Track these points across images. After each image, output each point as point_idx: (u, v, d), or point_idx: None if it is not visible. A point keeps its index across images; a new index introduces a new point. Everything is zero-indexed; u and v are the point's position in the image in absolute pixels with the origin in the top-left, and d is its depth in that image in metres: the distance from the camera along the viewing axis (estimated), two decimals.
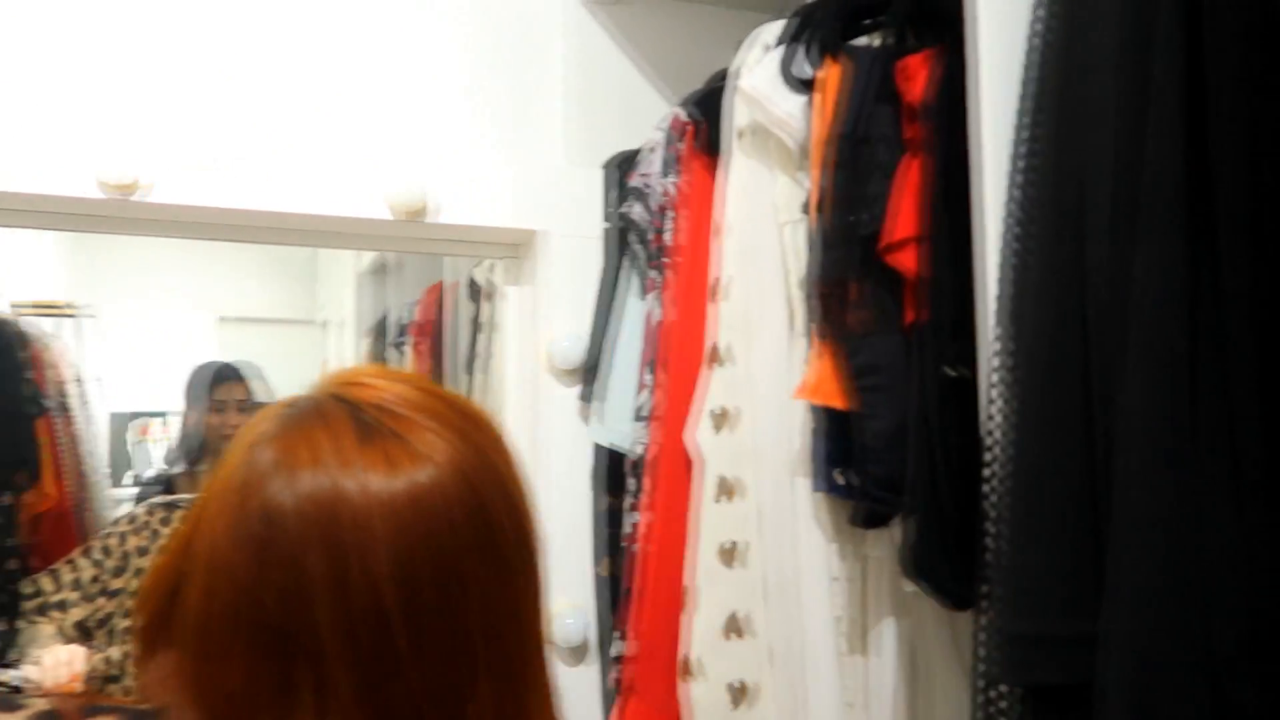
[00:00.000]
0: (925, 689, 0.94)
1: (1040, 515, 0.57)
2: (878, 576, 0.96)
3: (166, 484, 2.50)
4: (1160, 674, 0.48)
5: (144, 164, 1.27)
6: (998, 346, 0.63)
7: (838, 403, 0.87)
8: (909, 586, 0.86)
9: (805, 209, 0.94)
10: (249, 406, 2.49)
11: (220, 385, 2.51)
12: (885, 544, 0.91)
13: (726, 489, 0.97)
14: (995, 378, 0.63)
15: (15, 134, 1.24)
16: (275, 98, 1.39)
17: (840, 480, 0.90)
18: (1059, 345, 0.58)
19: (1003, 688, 0.61)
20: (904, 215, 0.80)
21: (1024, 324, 0.60)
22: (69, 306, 3.26)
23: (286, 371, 2.68)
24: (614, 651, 1.19)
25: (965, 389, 0.73)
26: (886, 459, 0.81)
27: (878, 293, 0.84)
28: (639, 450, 1.19)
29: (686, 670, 0.98)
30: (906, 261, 0.80)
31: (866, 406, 0.83)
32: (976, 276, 0.71)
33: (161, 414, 5.68)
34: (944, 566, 0.73)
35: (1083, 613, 0.53)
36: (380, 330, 3.38)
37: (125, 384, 5.22)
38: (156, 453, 5.59)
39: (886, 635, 0.95)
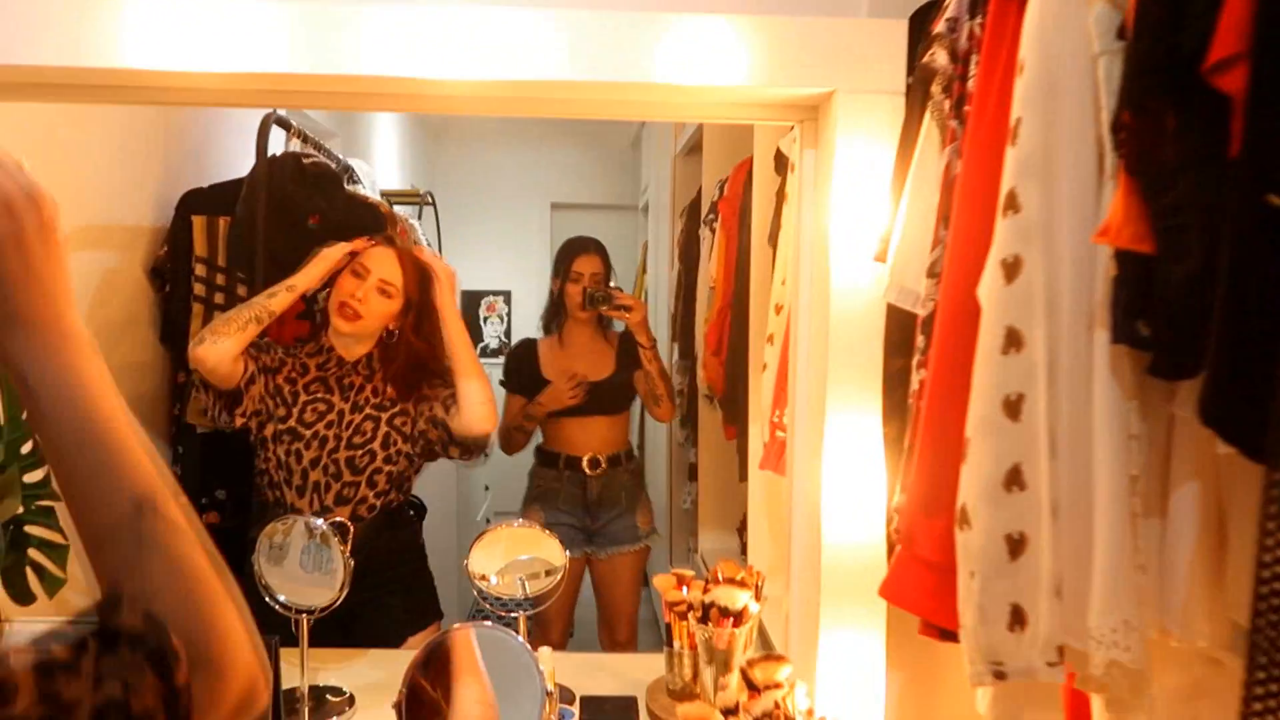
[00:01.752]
0: (1235, 559, 0.88)
1: None
2: (1184, 437, 0.90)
3: (529, 347, 2.84)
4: None
5: (449, 43, 1.40)
6: None
7: (1144, 246, 0.81)
8: (1223, 448, 0.79)
9: (1122, 35, 0.86)
10: (602, 280, 2.74)
11: (579, 258, 2.78)
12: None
13: (1015, 340, 0.94)
14: None
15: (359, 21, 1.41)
16: None
17: (1144, 331, 0.84)
18: None
19: None
20: (1234, 29, 0.71)
21: None
22: (421, 194, 3.68)
23: (610, 253, 2.90)
24: (893, 504, 1.21)
25: None
26: (1191, 304, 0.74)
27: (1197, 121, 0.76)
28: (929, 308, 1.17)
29: (965, 519, 0.98)
30: (1233, 83, 0.71)
31: (1173, 248, 0.76)
32: None
33: (505, 292, 6.32)
34: (1246, 415, 0.67)
35: None
36: (693, 210, 3.50)
37: (470, 265, 5.86)
38: (501, 327, 6.25)
39: (1189, 499, 0.89)
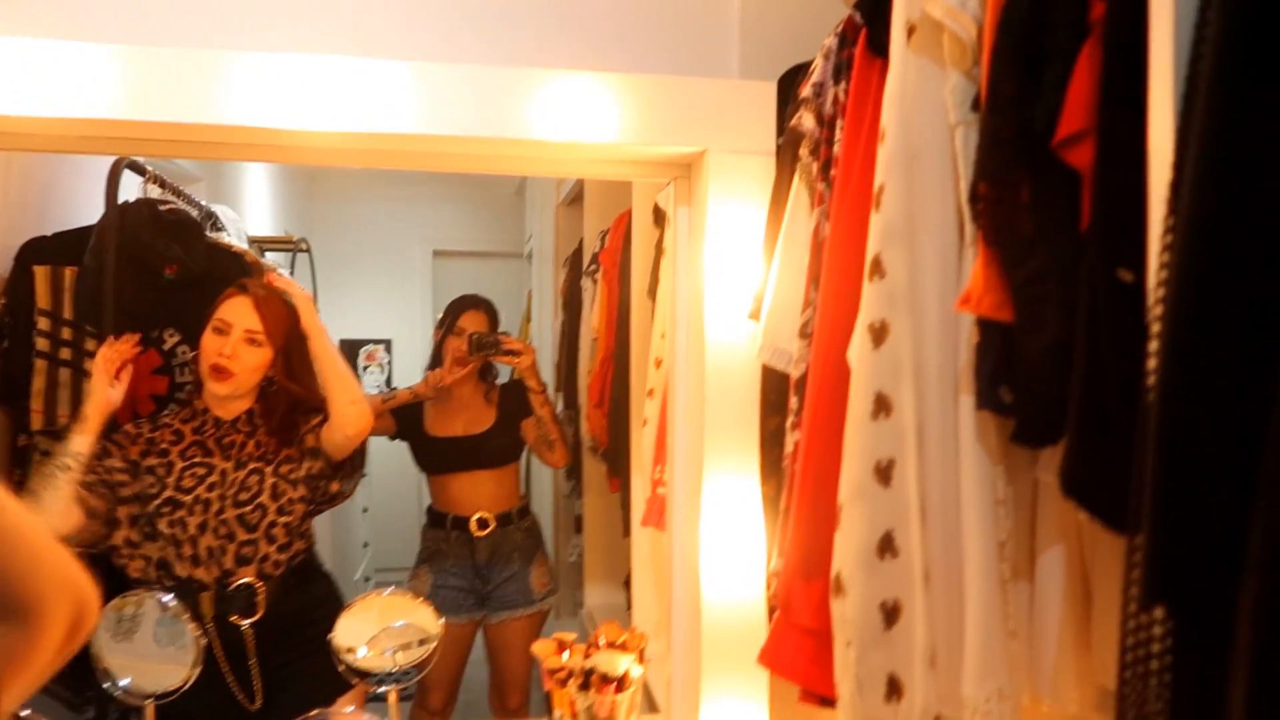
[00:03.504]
0: (1100, 619, 0.88)
1: (1189, 436, 0.51)
2: (1048, 500, 0.91)
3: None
4: None
5: (332, 95, 1.35)
6: (1164, 243, 0.56)
7: (1003, 315, 0.82)
8: (1085, 514, 0.80)
9: (977, 106, 0.88)
10: (478, 336, 2.69)
11: (466, 314, 2.72)
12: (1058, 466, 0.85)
13: (884, 405, 0.94)
14: (1158, 280, 0.56)
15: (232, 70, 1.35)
16: (443, 17, 1.42)
17: (1007, 398, 0.84)
18: (1219, 243, 0.50)
19: (1155, 613, 0.56)
20: (1080, 107, 0.73)
21: (1187, 218, 0.53)
22: (295, 241, 3.55)
23: (495, 301, 2.85)
24: (771, 568, 1.19)
25: (1138, 296, 0.66)
26: (1050, 374, 0.75)
27: (1050, 194, 0.77)
28: (801, 369, 1.17)
29: (839, 588, 0.96)
30: (1080, 158, 0.73)
31: (1031, 318, 0.77)
32: (1150, 168, 0.63)
33: (386, 341, 6.14)
34: (1105, 486, 0.67)
35: (1231, 539, 0.47)
36: (576, 260, 3.48)
37: (350, 313, 5.69)
38: (381, 376, 6.07)
39: (1055, 563, 0.90)
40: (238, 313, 1.90)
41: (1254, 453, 0.48)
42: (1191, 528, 0.52)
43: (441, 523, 2.69)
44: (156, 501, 1.85)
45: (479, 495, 2.69)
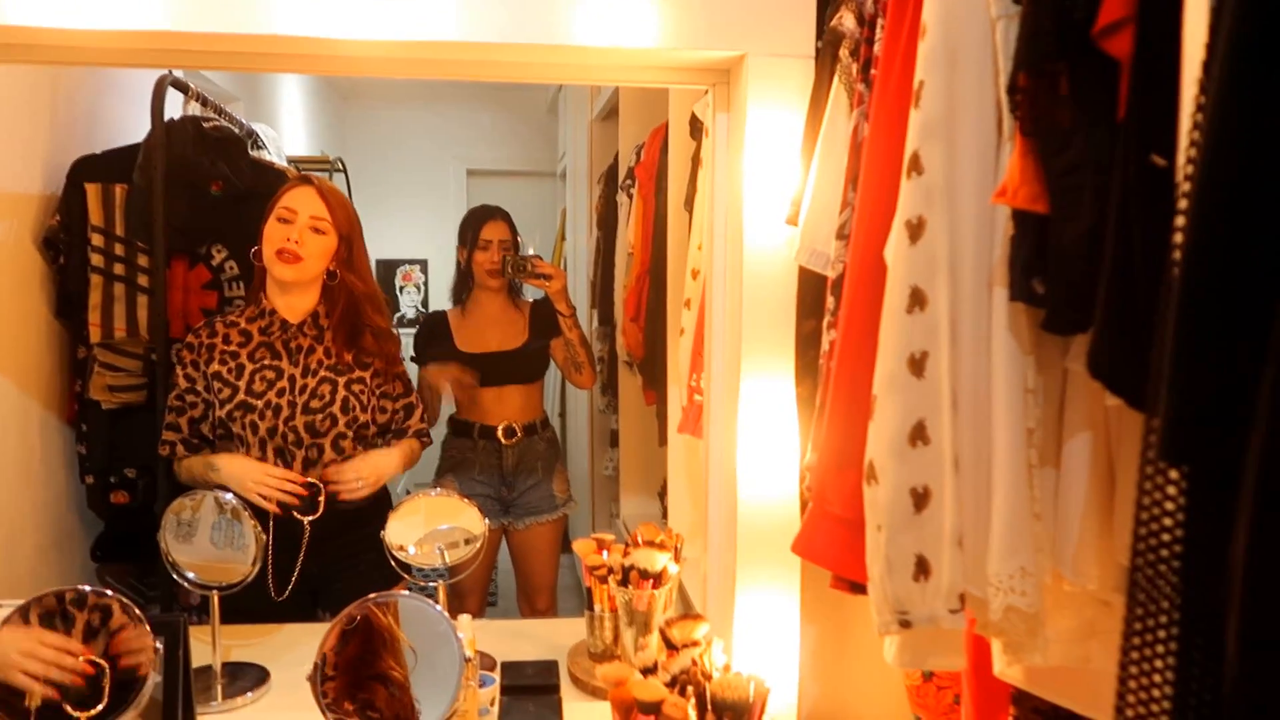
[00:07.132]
0: (1123, 505, 0.92)
1: (1207, 301, 0.53)
2: (1077, 390, 0.93)
3: (439, 319, 2.81)
4: None
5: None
6: (1194, 121, 0.57)
7: (1039, 206, 0.84)
8: (1111, 400, 0.83)
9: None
10: (510, 246, 2.71)
11: (486, 225, 2.74)
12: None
13: (919, 299, 0.96)
14: (1187, 158, 0.58)
15: None
16: None
17: (1039, 289, 0.87)
18: (1245, 117, 0.52)
19: (1171, 473, 0.59)
20: None
21: (1215, 94, 0.54)
22: (330, 160, 3.58)
23: (529, 220, 2.85)
24: (804, 463, 1.24)
25: (1169, 180, 0.68)
26: (1082, 261, 0.77)
27: (1089, 84, 0.78)
28: (838, 270, 1.19)
29: (872, 475, 1.01)
30: (1119, 46, 0.74)
31: (1066, 208, 0.79)
32: (1184, 51, 0.64)
33: (421, 261, 6.19)
34: (1129, 366, 0.70)
35: (1242, 402, 0.50)
36: (611, 176, 3.48)
37: (385, 233, 5.72)
38: (418, 297, 6.13)
39: (1082, 448, 0.93)
40: (303, 201, 1.93)
41: (1268, 315, 0.50)
42: (1206, 389, 0.55)
43: (468, 432, 2.75)
44: (229, 405, 1.90)
45: (507, 406, 2.75)
